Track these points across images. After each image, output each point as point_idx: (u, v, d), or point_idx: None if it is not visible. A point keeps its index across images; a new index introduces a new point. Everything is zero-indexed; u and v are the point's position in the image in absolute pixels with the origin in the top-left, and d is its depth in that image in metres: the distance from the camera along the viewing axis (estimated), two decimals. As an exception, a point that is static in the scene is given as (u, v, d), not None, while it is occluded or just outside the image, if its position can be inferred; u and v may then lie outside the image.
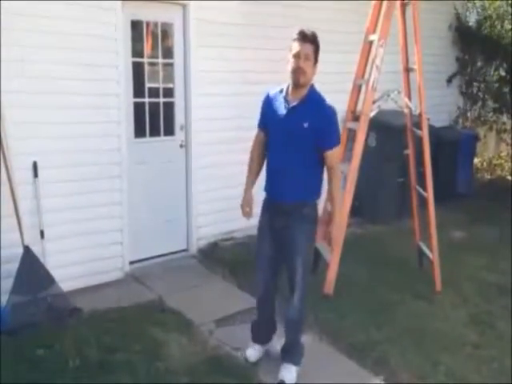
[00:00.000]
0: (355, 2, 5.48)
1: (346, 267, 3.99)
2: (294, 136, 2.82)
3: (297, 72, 2.77)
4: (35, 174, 3.80)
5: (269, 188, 2.99)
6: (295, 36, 2.79)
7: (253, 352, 3.22)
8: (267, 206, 3.03)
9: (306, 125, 2.78)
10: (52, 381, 2.89)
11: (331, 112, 2.86)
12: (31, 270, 3.58)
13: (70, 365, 3.00)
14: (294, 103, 2.84)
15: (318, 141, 2.80)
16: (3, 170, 3.59)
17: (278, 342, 3.22)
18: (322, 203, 4.28)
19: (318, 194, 2.98)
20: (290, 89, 2.87)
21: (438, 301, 3.99)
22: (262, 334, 3.26)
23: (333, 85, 5.26)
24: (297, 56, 2.77)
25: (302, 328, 3.12)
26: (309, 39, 2.77)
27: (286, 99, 2.87)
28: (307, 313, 3.25)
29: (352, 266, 4.27)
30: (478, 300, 4.03)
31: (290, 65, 2.81)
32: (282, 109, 2.88)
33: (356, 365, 3.19)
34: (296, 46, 2.77)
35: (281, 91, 2.93)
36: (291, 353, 3.07)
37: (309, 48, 2.77)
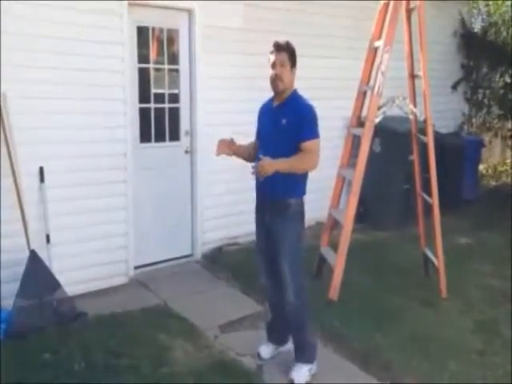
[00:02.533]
0: (364, 9, 5.50)
1: (351, 273, 3.98)
2: (274, 134, 2.98)
3: (275, 79, 2.96)
4: (41, 179, 3.83)
5: (256, 188, 3.10)
6: (271, 49, 2.99)
7: (266, 349, 3.28)
8: (257, 206, 3.15)
9: (284, 121, 2.94)
10: (57, 385, 2.90)
11: (307, 107, 2.97)
12: (37, 274, 3.60)
13: (76, 368, 3.02)
14: (277, 104, 3.03)
15: (295, 133, 2.90)
16: (10, 175, 3.62)
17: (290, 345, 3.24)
18: (325, 210, 4.32)
19: (300, 192, 3.03)
20: (275, 96, 3.07)
21: (444, 307, 3.98)
22: (274, 334, 3.30)
23: (336, 91, 5.32)
24: (273, 65, 2.96)
25: (307, 326, 3.11)
26: (282, 48, 2.96)
27: (272, 105, 3.08)
28: (312, 318, 3.23)
29: (357, 272, 4.27)
30: (483, 306, 4.00)
31: (269, 75, 3.00)
32: (267, 113, 3.10)
33: (361, 371, 3.18)
34: (272, 58, 2.97)
35: (270, 100, 3.13)
36: (300, 352, 3.10)
37: (283, 55, 2.95)
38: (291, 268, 2.98)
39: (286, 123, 2.93)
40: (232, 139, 3.14)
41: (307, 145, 2.89)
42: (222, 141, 3.13)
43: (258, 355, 3.27)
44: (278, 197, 2.97)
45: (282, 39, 3.00)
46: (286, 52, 2.95)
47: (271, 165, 2.81)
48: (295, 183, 2.97)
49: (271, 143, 2.99)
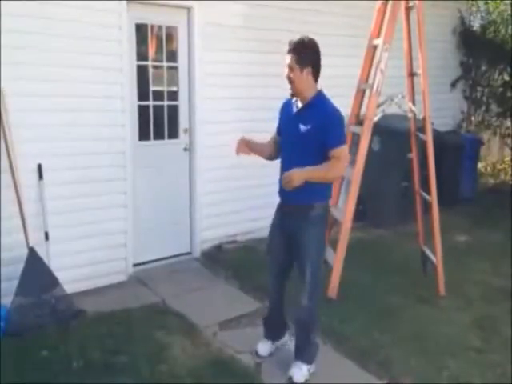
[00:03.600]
0: (361, 6, 5.50)
1: (350, 271, 3.98)
2: (300, 138, 2.90)
3: (288, 82, 2.90)
4: (40, 176, 3.82)
5: (279, 190, 3.06)
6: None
7: (263, 346, 3.29)
8: (279, 207, 3.13)
9: (310, 126, 2.86)
10: (56, 382, 2.90)
11: (334, 112, 2.89)
12: (36, 271, 3.60)
13: (74, 366, 3.02)
14: (300, 107, 2.95)
15: (323, 140, 2.83)
16: (9, 171, 3.61)
17: (291, 342, 3.25)
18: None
19: (325, 196, 3.01)
20: (298, 98, 3.00)
21: (442, 305, 3.98)
22: (271, 331, 3.31)
23: (335, 89, 5.30)
24: (286, 67, 2.89)
25: (314, 328, 3.11)
26: (289, 49, 2.89)
27: (295, 106, 3.00)
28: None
29: (355, 270, 4.26)
30: (481, 304, 4.01)
31: None
32: (291, 114, 3.01)
33: (359, 368, 3.18)
34: (285, 59, 2.92)
35: (292, 100, 3.04)
36: (302, 351, 3.10)
37: (289, 58, 2.87)
38: (312, 272, 2.96)
39: (314, 128, 2.84)
40: (251, 140, 3.08)
41: (335, 152, 2.80)
42: (242, 139, 3.06)
43: (256, 353, 3.28)
44: (303, 201, 2.92)
45: (294, 38, 2.89)
46: (292, 54, 2.85)
47: (300, 175, 2.74)
48: (321, 187, 2.91)
49: (296, 149, 2.89)
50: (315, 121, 2.84)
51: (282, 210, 3.08)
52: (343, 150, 2.85)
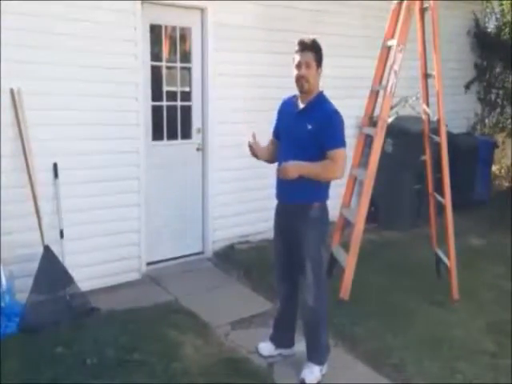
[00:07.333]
0: (375, 7, 5.49)
1: (362, 273, 3.97)
2: (299, 139, 2.92)
3: (300, 80, 2.89)
4: (55, 175, 3.86)
5: (276, 191, 3.08)
6: (296, 47, 2.91)
7: (264, 346, 3.29)
8: (277, 209, 3.14)
9: (309, 127, 2.87)
10: (70, 378, 2.92)
11: (333, 114, 2.88)
12: (51, 269, 3.64)
13: (88, 363, 3.05)
14: (301, 108, 2.97)
15: (321, 141, 2.84)
16: (25, 170, 3.66)
17: (300, 344, 3.24)
18: (336, 210, 4.31)
19: (322, 196, 2.98)
20: (299, 96, 3.00)
21: (455, 308, 3.96)
22: (277, 334, 3.31)
23: (346, 90, 5.30)
24: (298, 66, 2.90)
25: (322, 328, 3.10)
26: (308, 47, 2.88)
27: (296, 105, 3.00)
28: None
29: (368, 272, 4.25)
30: (495, 308, 3.98)
31: (294, 75, 2.93)
32: (291, 114, 3.02)
33: (372, 371, 3.17)
34: (297, 57, 2.90)
35: (293, 98, 3.06)
36: (312, 352, 3.10)
37: (308, 56, 2.88)
38: (313, 272, 2.97)
39: (312, 129, 2.85)
40: (254, 137, 3.09)
41: (331, 154, 2.82)
42: (255, 144, 3.07)
43: (257, 351, 3.28)
44: (298, 200, 2.94)
45: (306, 37, 2.91)
46: (311, 51, 2.87)
47: (296, 168, 2.79)
48: (317, 187, 2.91)
49: (295, 148, 2.91)
50: (315, 121, 2.86)
51: (280, 211, 3.09)
52: (340, 153, 2.83)
